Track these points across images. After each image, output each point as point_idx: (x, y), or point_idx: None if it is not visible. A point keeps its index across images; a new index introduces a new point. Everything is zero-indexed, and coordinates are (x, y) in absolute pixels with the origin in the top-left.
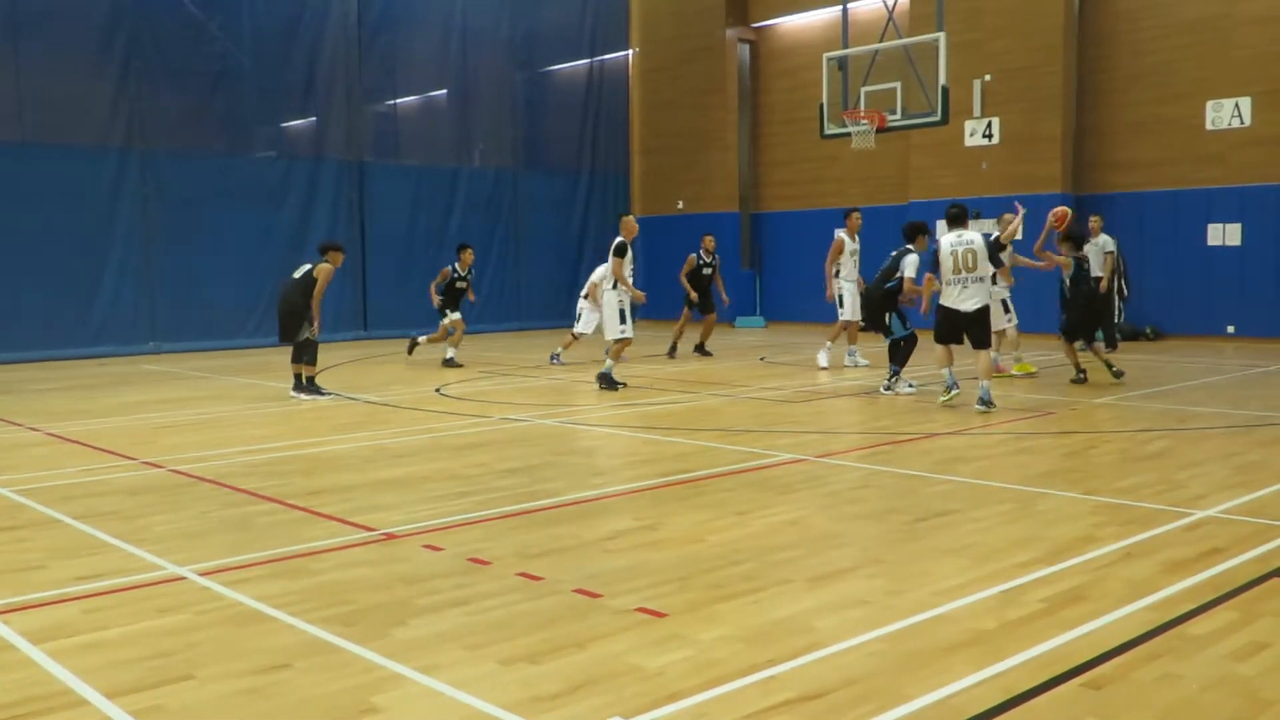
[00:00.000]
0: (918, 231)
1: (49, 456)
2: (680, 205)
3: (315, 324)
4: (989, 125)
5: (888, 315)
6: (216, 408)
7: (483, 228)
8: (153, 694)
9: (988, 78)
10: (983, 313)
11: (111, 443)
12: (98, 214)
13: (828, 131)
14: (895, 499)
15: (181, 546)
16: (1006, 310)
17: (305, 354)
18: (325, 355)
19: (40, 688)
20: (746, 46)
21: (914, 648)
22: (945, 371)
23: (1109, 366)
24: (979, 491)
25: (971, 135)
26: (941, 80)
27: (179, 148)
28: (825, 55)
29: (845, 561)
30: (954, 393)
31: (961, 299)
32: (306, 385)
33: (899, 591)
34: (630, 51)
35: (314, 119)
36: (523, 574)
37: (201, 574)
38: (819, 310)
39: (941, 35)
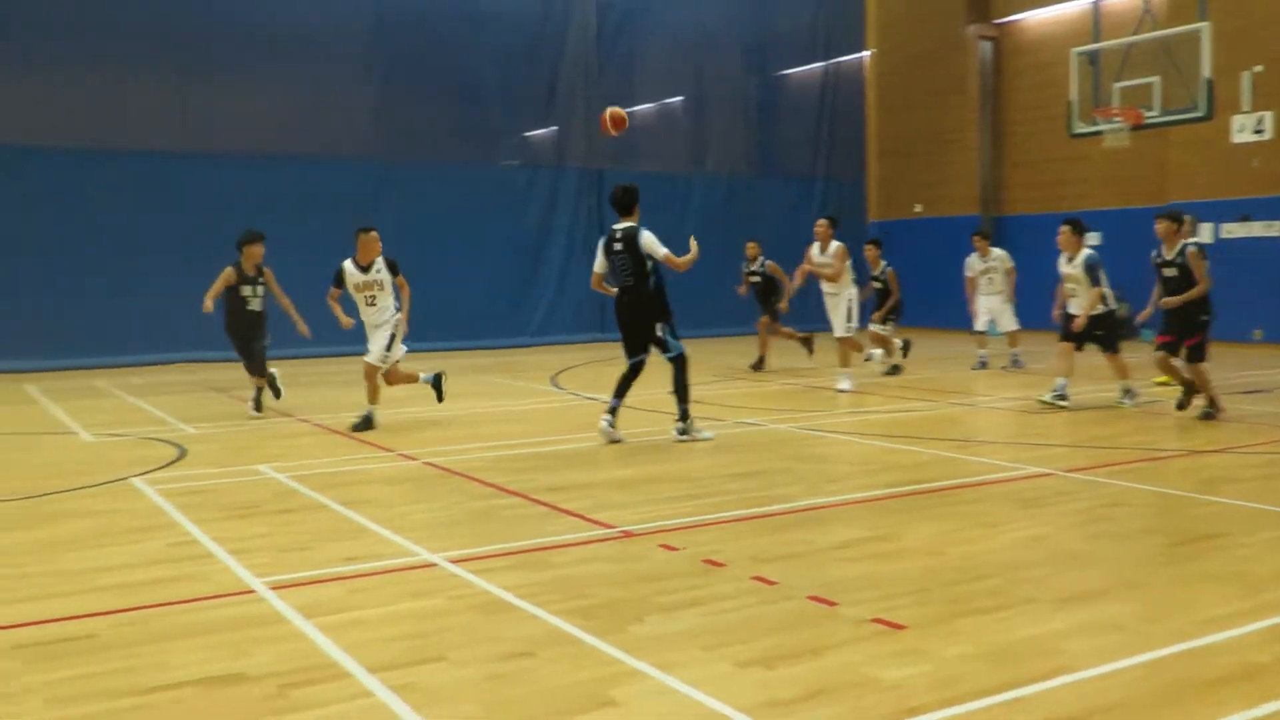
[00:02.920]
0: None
1: (317, 446)
2: (918, 209)
3: (301, 324)
4: (1260, 120)
5: (660, 327)
6: (463, 405)
7: (716, 234)
8: (408, 672)
9: (1258, 69)
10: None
11: (371, 435)
12: (358, 222)
13: (1077, 130)
14: (1153, 519)
15: (434, 535)
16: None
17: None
18: (563, 356)
19: (310, 659)
20: (988, 44)
21: (1175, 678)
22: None
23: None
24: (1249, 515)
25: (1239, 131)
26: (1205, 73)
27: (429, 158)
28: (1074, 50)
29: (1096, 583)
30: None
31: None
32: (265, 392)
33: (1157, 618)
34: (866, 53)
35: (555, 128)
36: (757, 578)
37: (452, 561)
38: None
39: (1205, 25)
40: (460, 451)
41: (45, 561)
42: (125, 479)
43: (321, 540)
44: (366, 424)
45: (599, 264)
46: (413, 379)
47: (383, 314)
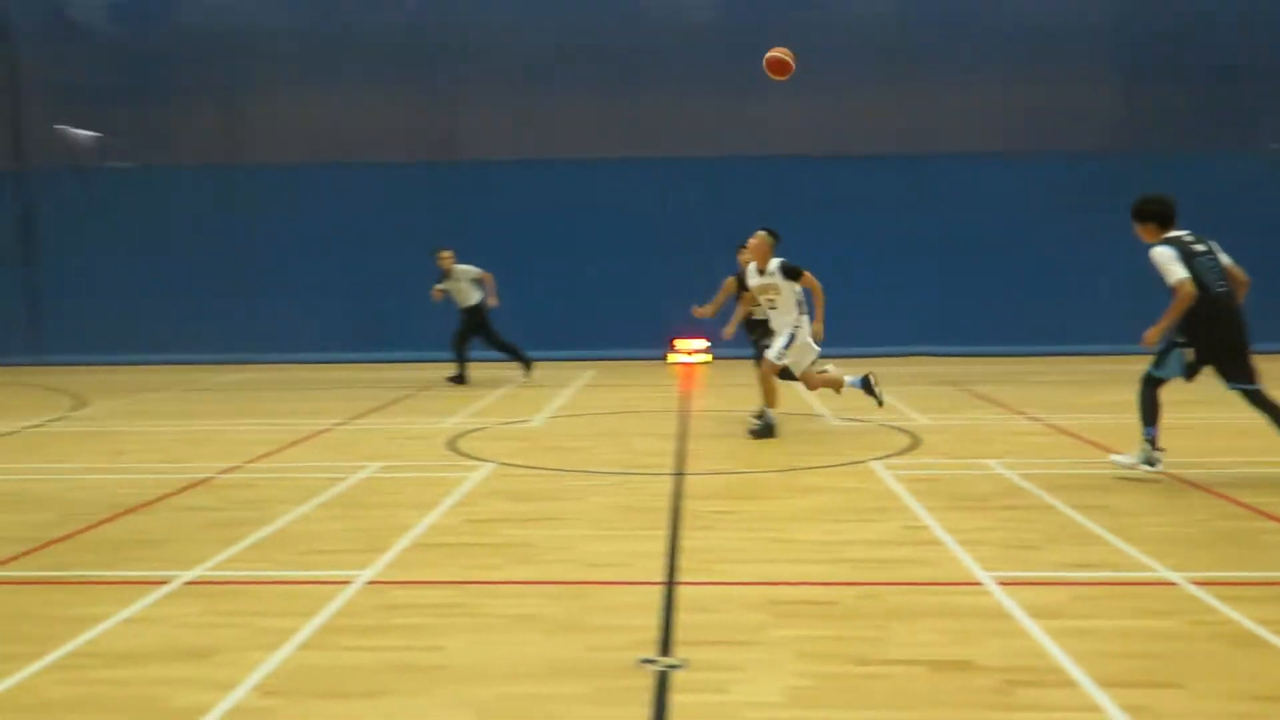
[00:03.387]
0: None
1: (1046, 445)
2: None
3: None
4: None
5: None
6: (1227, 414)
7: None
8: (1141, 693)
9: None
10: None
11: (1100, 437)
12: (1088, 219)
13: None
14: None
15: (1172, 551)
16: None
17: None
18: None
19: (1033, 660)
20: None
21: None
22: None
23: None
24: None
25: None
26: None
27: (1179, 147)
28: None
29: None
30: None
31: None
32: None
33: None
34: None
35: None
36: None
37: (1193, 583)
38: None
39: None
40: (1208, 465)
41: (797, 529)
42: (865, 461)
43: (1049, 541)
44: (767, 430)
45: (1185, 269)
46: (835, 384)
47: (783, 316)
